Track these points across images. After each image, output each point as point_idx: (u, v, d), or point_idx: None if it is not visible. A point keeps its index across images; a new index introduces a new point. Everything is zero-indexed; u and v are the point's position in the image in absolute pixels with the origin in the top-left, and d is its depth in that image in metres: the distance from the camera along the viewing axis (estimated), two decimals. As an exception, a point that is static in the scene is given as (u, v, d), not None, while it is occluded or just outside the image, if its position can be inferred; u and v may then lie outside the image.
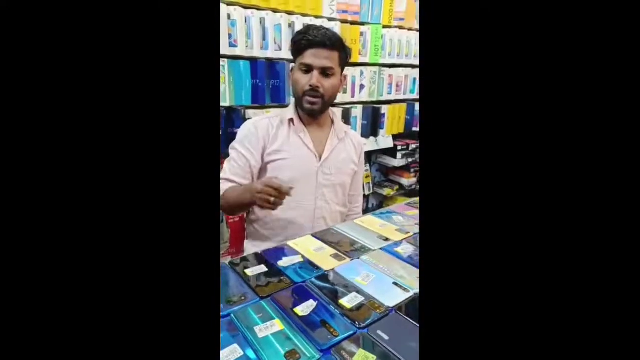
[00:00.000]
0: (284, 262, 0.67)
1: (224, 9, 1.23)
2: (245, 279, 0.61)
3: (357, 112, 1.72)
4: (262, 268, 0.65)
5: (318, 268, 0.65)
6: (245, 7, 1.28)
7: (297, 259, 0.69)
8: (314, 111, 0.93)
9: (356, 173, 1.07)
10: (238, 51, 1.29)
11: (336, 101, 1.62)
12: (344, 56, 0.94)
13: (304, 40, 0.89)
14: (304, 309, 0.53)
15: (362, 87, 1.72)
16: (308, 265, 0.66)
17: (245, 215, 1.09)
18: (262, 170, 0.97)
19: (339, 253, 0.71)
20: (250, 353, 0.45)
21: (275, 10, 1.36)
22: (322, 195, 0.98)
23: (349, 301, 0.55)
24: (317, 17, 1.49)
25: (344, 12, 1.57)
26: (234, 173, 0.93)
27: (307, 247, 0.73)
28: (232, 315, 0.52)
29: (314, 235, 0.79)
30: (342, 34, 1.57)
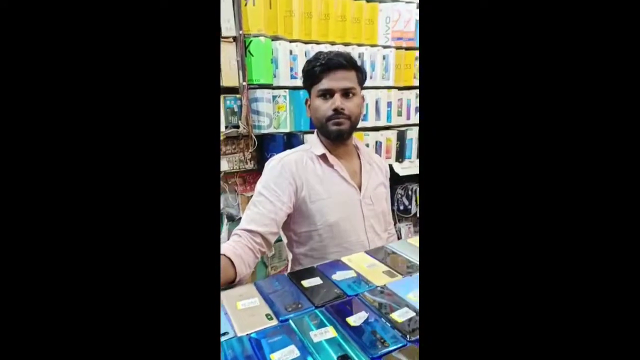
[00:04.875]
0: (337, 276, 0.71)
1: (286, 46, 1.36)
2: (301, 288, 0.66)
3: (412, 134, 1.73)
4: (318, 280, 0.69)
5: (370, 283, 0.68)
6: (306, 43, 1.41)
7: (351, 273, 0.72)
8: (341, 132, 0.86)
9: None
10: (298, 82, 1.41)
11: (392, 123, 1.67)
12: (361, 75, 0.89)
13: (318, 66, 0.83)
14: (356, 319, 0.56)
15: (417, 109, 1.73)
16: (360, 280, 0.69)
17: (287, 249, 1.03)
18: (296, 213, 0.87)
19: (391, 270, 0.73)
20: (306, 355, 0.49)
21: (332, 43, 1.47)
22: (370, 227, 0.94)
23: (400, 315, 0.57)
24: (372, 45, 1.57)
25: (399, 39, 1.63)
26: (253, 220, 0.80)
27: (360, 264, 0.76)
28: (290, 320, 0.56)
29: (367, 252, 0.82)
30: (396, 60, 1.62)
